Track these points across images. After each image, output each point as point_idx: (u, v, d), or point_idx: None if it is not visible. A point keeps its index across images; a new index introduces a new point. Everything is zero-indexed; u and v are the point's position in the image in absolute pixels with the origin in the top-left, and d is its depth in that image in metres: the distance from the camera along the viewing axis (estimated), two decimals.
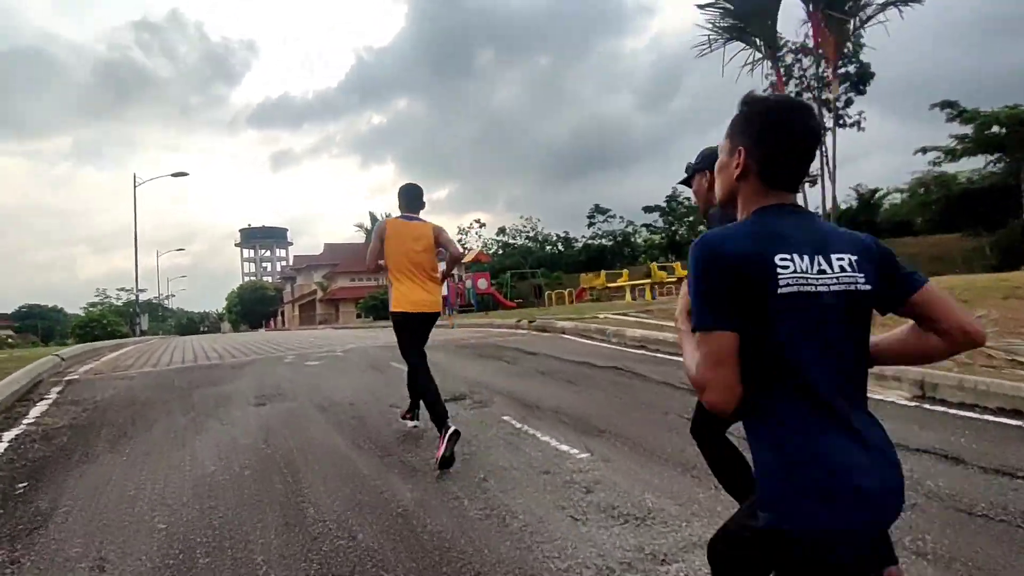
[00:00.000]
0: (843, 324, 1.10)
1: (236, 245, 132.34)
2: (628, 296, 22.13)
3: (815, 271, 1.08)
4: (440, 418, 3.57)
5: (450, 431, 3.42)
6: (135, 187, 30.66)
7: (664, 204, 64.12)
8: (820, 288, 1.07)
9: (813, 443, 1.05)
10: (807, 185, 53.46)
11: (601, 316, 11.38)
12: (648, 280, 26.96)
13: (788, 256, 1.08)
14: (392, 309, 4.02)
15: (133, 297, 63.99)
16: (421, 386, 3.90)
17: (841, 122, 50.82)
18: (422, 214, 4.14)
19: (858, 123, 51.45)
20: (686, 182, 2.31)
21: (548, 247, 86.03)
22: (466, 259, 35.15)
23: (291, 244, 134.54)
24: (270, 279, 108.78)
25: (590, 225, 78.88)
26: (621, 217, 74.50)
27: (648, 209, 65.81)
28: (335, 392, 5.53)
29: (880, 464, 1.06)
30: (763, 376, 1.08)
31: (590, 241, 79.25)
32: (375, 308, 30.52)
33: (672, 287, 25.72)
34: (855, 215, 44.04)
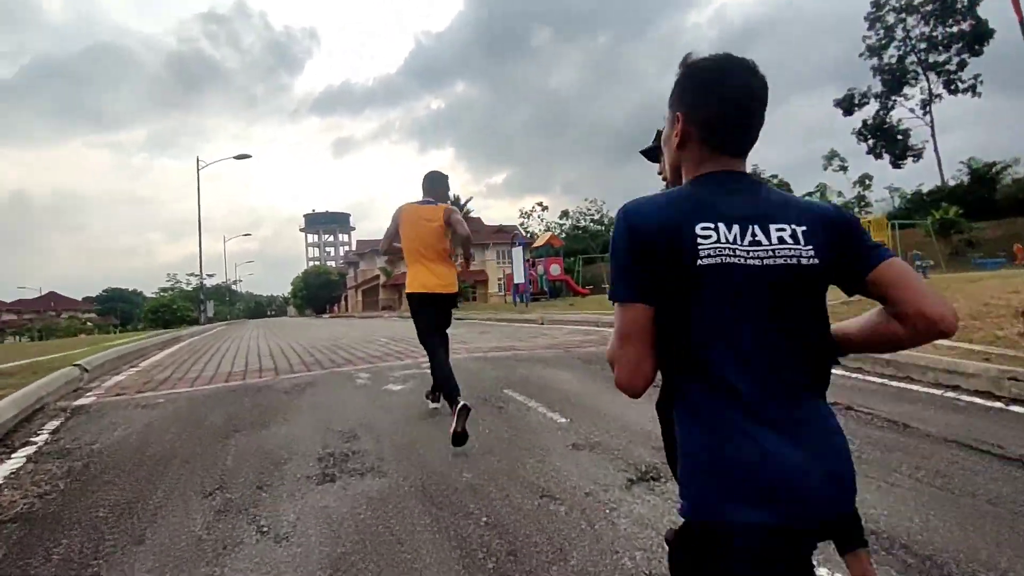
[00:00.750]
0: (781, 302, 0.96)
1: (300, 230, 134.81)
2: None
3: (745, 242, 0.95)
4: (451, 397, 3.65)
5: (459, 405, 3.49)
6: (198, 170, 29.94)
7: None
8: (750, 261, 0.94)
9: (724, 435, 0.93)
10: (911, 160, 48.78)
11: None
12: None
13: (712, 225, 0.96)
14: (406, 291, 4.12)
15: (202, 282, 65.63)
16: (434, 368, 4.00)
17: (952, 87, 45.75)
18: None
19: (973, 87, 45.98)
20: (652, 157, 1.69)
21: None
22: (538, 243, 33.01)
23: (353, 229, 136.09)
24: (333, 264, 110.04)
25: None
26: None
27: None
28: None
29: (807, 459, 0.92)
30: (679, 357, 0.98)
31: None
32: None
33: None
34: (966, 192, 39.10)
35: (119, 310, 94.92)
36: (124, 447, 3.91)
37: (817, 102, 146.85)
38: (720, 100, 1.03)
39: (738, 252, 0.95)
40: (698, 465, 0.96)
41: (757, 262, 0.95)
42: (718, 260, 0.94)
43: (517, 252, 22.48)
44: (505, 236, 66.29)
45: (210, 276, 64.54)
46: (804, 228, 0.98)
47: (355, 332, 14.83)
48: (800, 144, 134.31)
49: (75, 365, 6.57)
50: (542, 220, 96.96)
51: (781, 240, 0.96)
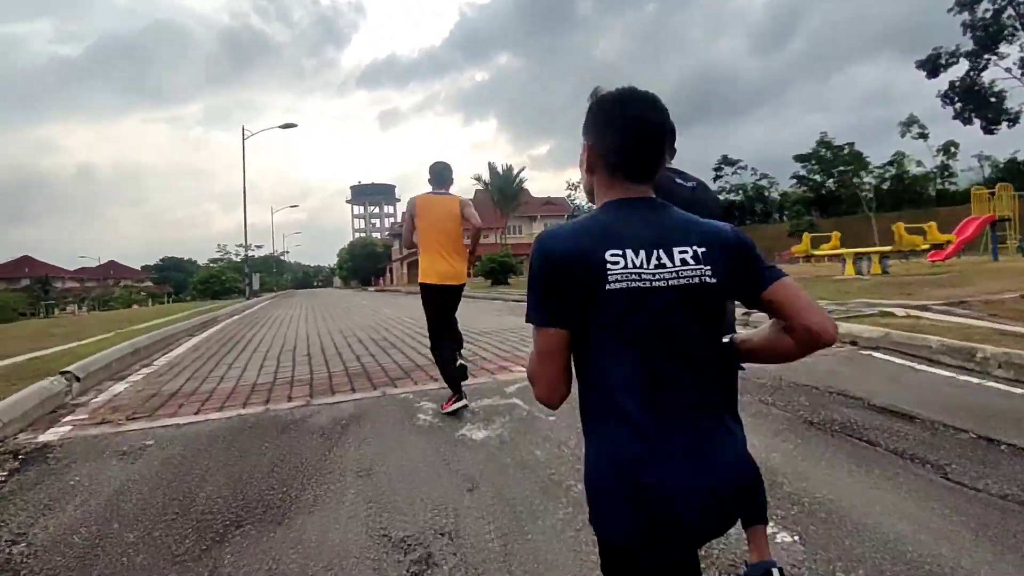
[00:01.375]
0: (685, 320, 1.03)
1: (347, 202, 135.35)
2: (850, 267, 16.29)
3: (651, 266, 1.02)
4: (455, 386, 4.04)
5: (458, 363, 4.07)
6: (244, 140, 28.90)
7: (810, 152, 55.51)
8: (656, 283, 1.01)
9: (613, 457, 1.01)
10: (1005, 125, 44.11)
11: (891, 311, 7.01)
12: (884, 248, 17.80)
13: (620, 252, 1.02)
14: (421, 280, 4.16)
15: (250, 253, 65.94)
16: (440, 359, 4.13)
17: None
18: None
19: None
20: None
21: None
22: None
23: (399, 200, 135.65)
24: (378, 236, 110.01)
25: (716, 178, 71.40)
26: (753, 169, 66.44)
27: (800, 159, 57.03)
28: None
29: (688, 482, 0.98)
30: (585, 377, 1.07)
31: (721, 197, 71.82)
32: (495, 272, 27.15)
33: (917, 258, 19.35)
34: None
35: (174, 279, 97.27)
36: (60, 552, 2.38)
37: (875, 68, 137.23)
38: (619, 131, 1.09)
39: (643, 276, 1.01)
40: (591, 483, 1.05)
41: (663, 283, 1.01)
42: (625, 284, 1.00)
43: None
44: (555, 208, 64.09)
45: (258, 247, 64.71)
46: (704, 250, 1.04)
47: (404, 315, 13.36)
48: (860, 111, 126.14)
49: (62, 373, 5.16)
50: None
51: (684, 261, 1.03)
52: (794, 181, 60.16)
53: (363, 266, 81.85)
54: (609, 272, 0.99)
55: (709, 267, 1.03)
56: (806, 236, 23.84)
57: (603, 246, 1.01)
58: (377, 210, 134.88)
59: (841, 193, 56.26)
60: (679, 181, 2.07)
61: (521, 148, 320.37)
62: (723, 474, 1.02)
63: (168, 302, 66.36)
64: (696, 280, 1.02)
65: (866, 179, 52.99)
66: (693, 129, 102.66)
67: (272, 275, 74.12)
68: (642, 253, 1.01)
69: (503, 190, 49.76)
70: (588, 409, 1.06)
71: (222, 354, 7.85)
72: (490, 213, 60.06)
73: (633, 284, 0.99)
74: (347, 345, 8.18)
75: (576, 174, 52.75)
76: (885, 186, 52.17)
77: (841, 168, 53.01)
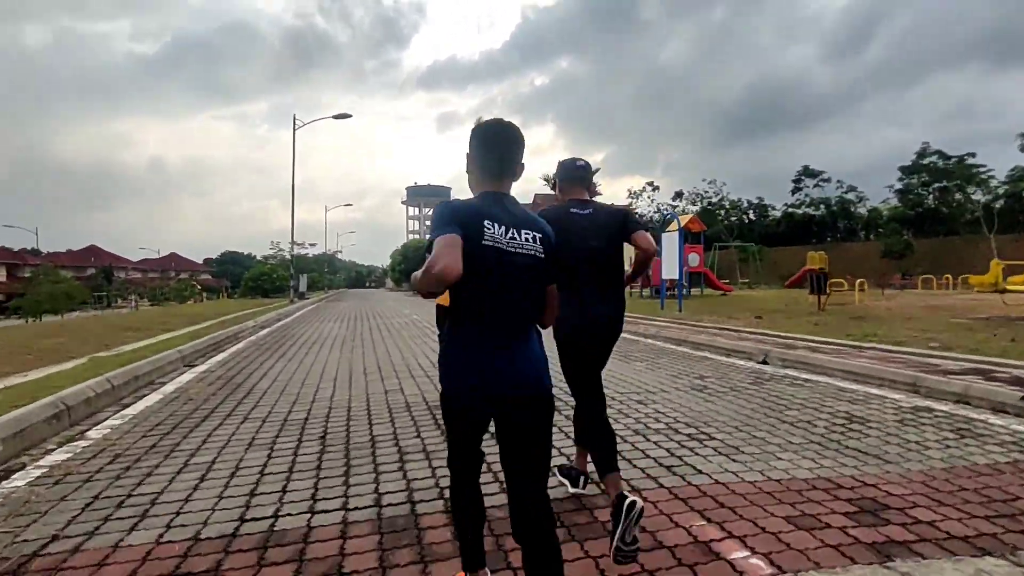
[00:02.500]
0: (522, 276, 1.73)
1: (402, 203, 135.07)
2: None
3: (508, 237, 1.71)
4: None
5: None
6: (294, 130, 26.93)
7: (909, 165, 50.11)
8: (509, 248, 1.70)
9: (468, 349, 1.73)
10: None
11: None
12: None
13: (492, 224, 1.69)
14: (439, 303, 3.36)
15: (304, 251, 65.01)
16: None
17: None
18: None
19: None
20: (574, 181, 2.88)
21: (734, 215, 74.47)
22: (672, 227, 27.42)
23: None
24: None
25: (795, 190, 66.34)
26: (839, 182, 61.09)
27: (907, 171, 51.67)
28: None
29: (500, 368, 1.71)
30: (462, 294, 1.71)
31: (792, 209, 66.69)
32: None
33: None
34: None
35: (232, 273, 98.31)
36: None
37: (959, 79, 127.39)
38: (484, 148, 1.83)
39: (502, 242, 1.69)
40: (446, 366, 1.77)
41: (513, 250, 1.71)
42: (492, 244, 1.67)
43: (671, 238, 17.29)
44: None
45: (312, 245, 63.61)
46: (539, 235, 1.78)
47: None
48: (941, 124, 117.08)
49: (54, 400, 2.49)
50: (652, 201, 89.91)
51: (527, 240, 1.74)
52: (889, 195, 54.71)
53: (416, 268, 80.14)
54: (485, 233, 1.67)
55: (541, 247, 1.77)
56: (995, 264, 19.69)
57: (483, 215, 1.69)
58: (432, 212, 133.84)
59: (942, 211, 50.71)
60: (574, 210, 2.77)
61: (577, 154, 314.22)
62: (526, 367, 1.77)
63: (224, 297, 66.32)
64: (532, 252, 1.75)
65: (976, 196, 47.37)
66: (756, 140, 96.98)
67: (323, 274, 73.16)
68: (503, 227, 1.71)
69: None
70: (457, 318, 1.75)
71: (251, 370, 5.14)
72: None
73: (497, 245, 1.68)
74: (402, 399, 5.34)
75: (634, 182, 49.60)
76: (997, 204, 46.48)
77: (945, 184, 47.62)
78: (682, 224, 26.20)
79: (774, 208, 72.94)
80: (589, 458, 2.86)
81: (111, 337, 10.54)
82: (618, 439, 3.75)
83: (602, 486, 2.88)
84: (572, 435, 3.47)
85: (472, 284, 1.65)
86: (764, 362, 7.67)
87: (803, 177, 64.98)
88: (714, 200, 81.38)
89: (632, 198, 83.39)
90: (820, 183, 62.44)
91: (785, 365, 7.31)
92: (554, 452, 3.64)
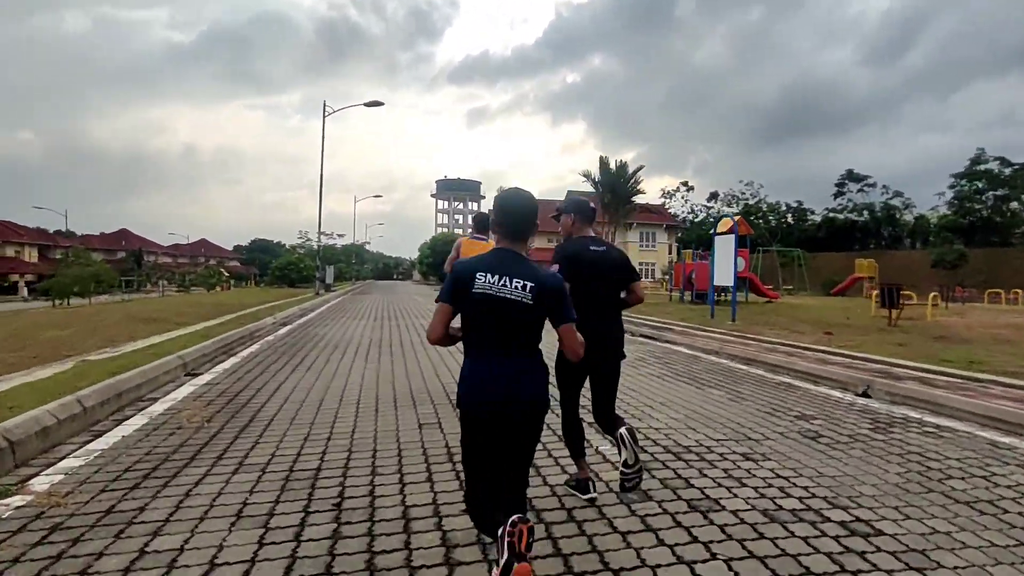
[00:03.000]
0: (511, 310, 2.14)
1: (432, 196, 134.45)
2: None
3: (499, 284, 2.14)
4: None
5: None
6: (324, 116, 26.05)
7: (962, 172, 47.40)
8: (499, 294, 2.14)
9: (474, 369, 2.21)
10: None
11: None
12: None
13: (484, 274, 2.16)
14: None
15: (332, 241, 64.37)
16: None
17: None
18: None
19: None
20: (556, 219, 3.36)
21: (772, 218, 71.87)
22: (720, 229, 25.89)
23: (483, 198, 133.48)
24: (461, 231, 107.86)
25: (838, 194, 63.79)
26: (884, 187, 58.47)
27: (966, 176, 49.06)
28: None
29: (504, 392, 2.15)
30: (466, 331, 2.24)
31: (834, 214, 64.13)
32: None
33: None
34: None
35: (261, 261, 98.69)
36: None
37: (1003, 87, 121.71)
38: (500, 213, 2.32)
39: (493, 288, 2.13)
40: (463, 380, 2.22)
41: (503, 295, 2.13)
42: (481, 291, 2.13)
43: (725, 241, 15.83)
44: (652, 217, 58.81)
45: (340, 236, 63.10)
46: (532, 284, 2.15)
47: None
48: (983, 132, 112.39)
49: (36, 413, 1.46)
50: (686, 202, 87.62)
51: (516, 287, 2.13)
52: (938, 202, 52.02)
53: (444, 262, 79.57)
54: (476, 283, 2.15)
55: (531, 295, 2.14)
56: None
57: (476, 270, 2.19)
58: (461, 206, 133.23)
59: (995, 220, 48.00)
60: (592, 248, 3.19)
61: (608, 152, 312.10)
62: (520, 386, 2.19)
63: (252, 285, 66.38)
64: (520, 298, 2.14)
65: None
66: (790, 143, 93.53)
67: (351, 265, 72.69)
68: (496, 276, 2.16)
69: (616, 190, 43.85)
70: (467, 347, 2.26)
71: (257, 387, 4.09)
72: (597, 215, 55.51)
73: (487, 292, 2.15)
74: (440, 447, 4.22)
75: (664, 182, 47.83)
76: None
77: (1005, 191, 44.97)
78: (728, 227, 24.75)
79: (813, 212, 70.45)
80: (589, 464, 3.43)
81: (122, 330, 9.66)
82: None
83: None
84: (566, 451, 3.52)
85: (470, 322, 2.23)
86: (866, 394, 6.39)
87: (846, 181, 62.48)
88: (751, 202, 78.99)
89: (665, 198, 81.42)
90: (864, 188, 59.90)
91: (895, 401, 6.02)
92: (556, 468, 3.78)
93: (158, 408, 5.16)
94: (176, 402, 5.42)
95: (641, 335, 11.96)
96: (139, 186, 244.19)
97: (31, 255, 64.97)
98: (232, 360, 7.81)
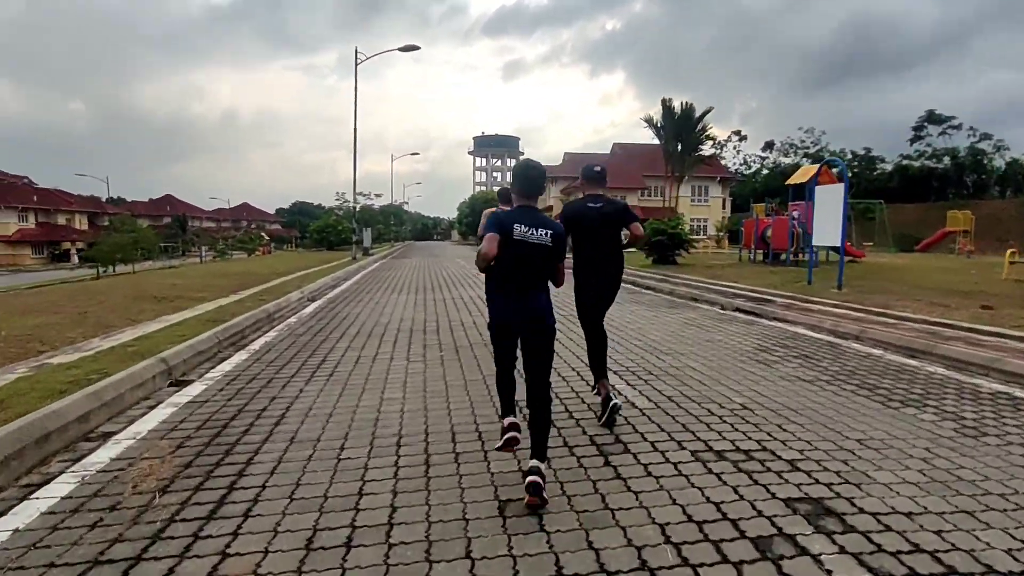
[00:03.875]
0: (538, 255, 2.95)
1: (469, 153, 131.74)
2: None
3: (529, 233, 2.92)
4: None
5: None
6: (356, 64, 23.94)
7: None
8: (529, 239, 2.92)
9: (501, 292, 3.01)
10: None
11: None
12: None
13: (520, 224, 2.92)
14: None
15: (370, 202, 62.89)
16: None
17: None
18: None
19: None
20: (602, 179, 4.32)
21: (835, 169, 66.65)
22: (796, 178, 23.00)
23: (522, 154, 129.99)
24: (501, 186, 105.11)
25: (915, 139, 58.56)
26: (971, 129, 53.14)
27: None
28: None
29: (526, 307, 2.96)
30: (500, 265, 2.92)
31: (908, 162, 59.03)
32: (661, 246, 20.47)
33: None
34: None
35: (301, 223, 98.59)
36: None
37: None
38: (518, 179, 3.11)
39: (527, 235, 2.93)
40: (491, 305, 3.07)
41: (533, 240, 2.94)
42: (520, 238, 2.92)
43: (830, 193, 13.03)
44: (704, 168, 55.03)
45: (378, 196, 61.53)
46: (550, 231, 2.98)
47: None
48: None
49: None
50: (738, 152, 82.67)
51: (542, 235, 2.96)
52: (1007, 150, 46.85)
53: (478, 222, 77.51)
54: (514, 231, 2.90)
55: (550, 240, 2.97)
56: None
57: (513, 220, 2.94)
58: (499, 163, 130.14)
59: None
60: (590, 204, 4.19)
61: (647, 104, 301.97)
62: (534, 310, 2.98)
63: (293, 248, 65.92)
64: (543, 243, 2.95)
65: None
66: (844, 84, 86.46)
67: (390, 227, 71.32)
68: (527, 227, 2.93)
69: (681, 137, 39.91)
70: (495, 279, 3.02)
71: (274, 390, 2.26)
72: (656, 165, 51.94)
73: (522, 237, 2.92)
74: None
75: (711, 131, 43.84)
76: None
77: None
78: (809, 176, 21.83)
79: (883, 160, 65.21)
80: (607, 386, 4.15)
81: (123, 312, 8.09)
82: None
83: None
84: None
85: (508, 260, 2.94)
86: None
87: (925, 124, 57.17)
88: (810, 151, 73.88)
89: (716, 148, 76.86)
90: (948, 131, 54.63)
91: None
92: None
93: (102, 458, 3.40)
94: (136, 442, 3.67)
95: (738, 309, 9.80)
96: (183, 151, 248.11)
97: (81, 222, 65.74)
98: (238, 357, 6.06)
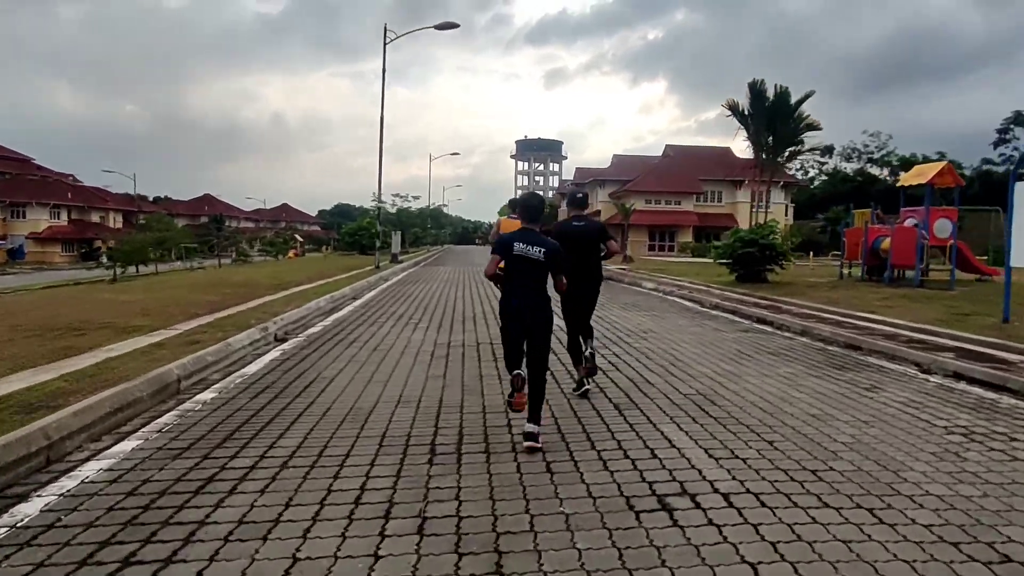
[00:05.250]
0: (534, 267, 3.94)
1: (511, 156, 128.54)
2: None
3: (527, 249, 3.93)
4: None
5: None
6: (385, 44, 20.86)
7: None
8: (527, 254, 3.93)
9: (507, 294, 4.05)
10: None
11: None
12: None
13: (519, 243, 3.95)
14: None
15: (407, 204, 59.63)
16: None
17: None
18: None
19: None
20: (582, 204, 5.44)
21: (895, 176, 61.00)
22: (908, 178, 18.80)
23: (565, 158, 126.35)
24: (542, 193, 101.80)
25: (999, 143, 52.89)
26: None
27: None
28: None
29: (524, 303, 3.95)
30: (507, 272, 4.02)
31: (990, 167, 53.30)
32: (748, 260, 16.53)
33: None
34: None
35: (341, 225, 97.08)
36: None
37: None
38: (521, 208, 4.35)
39: (525, 251, 3.95)
40: (502, 301, 4.09)
41: (530, 255, 3.95)
42: (520, 253, 3.96)
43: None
44: (764, 172, 50.39)
45: (416, 198, 58.61)
46: (544, 249, 3.96)
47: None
48: None
49: None
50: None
51: (538, 252, 3.95)
52: None
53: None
54: (514, 248, 3.95)
55: (543, 256, 3.94)
56: None
57: (514, 239, 4.00)
58: (542, 167, 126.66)
59: None
60: (575, 223, 5.18)
61: (688, 112, 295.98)
62: (536, 308, 3.97)
63: (327, 251, 63.70)
64: (538, 258, 3.94)
65: None
66: (889, 93, 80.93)
67: (427, 229, 68.43)
68: (525, 245, 3.95)
69: (775, 125, 32.76)
70: (506, 282, 4.05)
71: None
72: (713, 168, 47.28)
73: (520, 252, 3.95)
74: None
75: (741, 142, 38.87)
76: None
77: None
78: (929, 178, 17.64)
79: (960, 166, 59.49)
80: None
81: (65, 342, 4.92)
82: None
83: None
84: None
85: (511, 269, 3.97)
86: None
87: (1010, 126, 51.44)
88: (875, 156, 68.25)
89: (814, 145, 71.62)
90: None
91: None
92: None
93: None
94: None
95: (958, 376, 6.00)
96: (232, 152, 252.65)
97: (116, 221, 64.99)
98: (151, 431, 2.79)
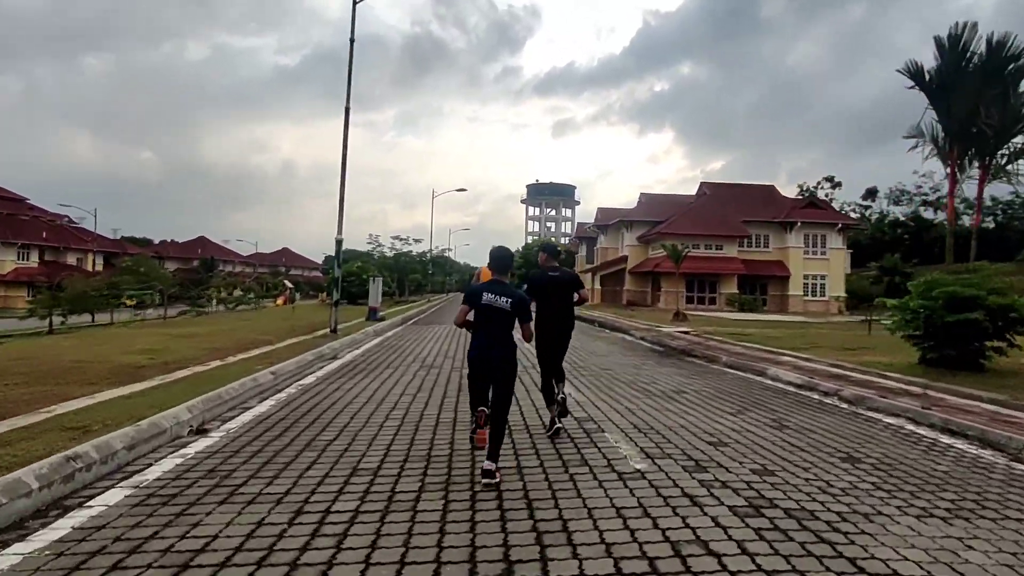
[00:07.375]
0: (501, 316, 4.34)
1: (522, 202, 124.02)
2: None
3: (494, 299, 4.34)
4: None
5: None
6: (354, 17, 14.76)
7: None
8: (495, 304, 4.33)
9: (475, 341, 4.45)
10: None
11: None
12: None
13: (487, 294, 4.36)
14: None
15: (408, 247, 53.08)
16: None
17: None
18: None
19: None
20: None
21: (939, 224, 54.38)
22: None
23: (578, 203, 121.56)
24: (554, 240, 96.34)
25: None
26: None
27: None
28: None
29: (491, 351, 4.36)
30: (476, 320, 4.44)
31: None
32: (954, 333, 10.02)
33: None
34: None
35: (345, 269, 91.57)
36: None
37: None
38: (492, 259, 4.62)
39: (492, 301, 4.35)
40: (471, 346, 4.49)
41: (496, 305, 4.34)
42: (487, 303, 4.36)
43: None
44: (817, 213, 44.37)
45: (417, 241, 52.81)
46: (510, 299, 4.37)
47: None
48: None
49: None
50: (831, 199, 71.40)
51: (505, 301, 4.35)
52: None
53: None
54: (483, 298, 4.36)
55: (510, 304, 4.34)
56: None
57: (483, 290, 4.41)
58: (554, 212, 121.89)
59: None
60: (550, 274, 5.75)
61: (695, 163, 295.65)
62: (500, 352, 4.38)
63: (323, 300, 57.74)
64: (505, 306, 4.33)
65: None
66: (893, 145, 76.55)
67: (428, 276, 62.35)
68: (493, 295, 4.36)
69: (982, 94, 23.38)
70: (475, 330, 4.47)
71: None
72: (756, 208, 40.64)
73: (488, 302, 4.35)
74: None
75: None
76: None
77: None
78: None
79: (1016, 214, 54.09)
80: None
81: None
82: None
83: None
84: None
85: (479, 317, 4.36)
86: None
87: None
88: (929, 198, 62.29)
89: (803, 194, 66.01)
90: None
91: None
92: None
93: None
94: None
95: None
96: (243, 199, 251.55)
97: (96, 263, 59.78)
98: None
